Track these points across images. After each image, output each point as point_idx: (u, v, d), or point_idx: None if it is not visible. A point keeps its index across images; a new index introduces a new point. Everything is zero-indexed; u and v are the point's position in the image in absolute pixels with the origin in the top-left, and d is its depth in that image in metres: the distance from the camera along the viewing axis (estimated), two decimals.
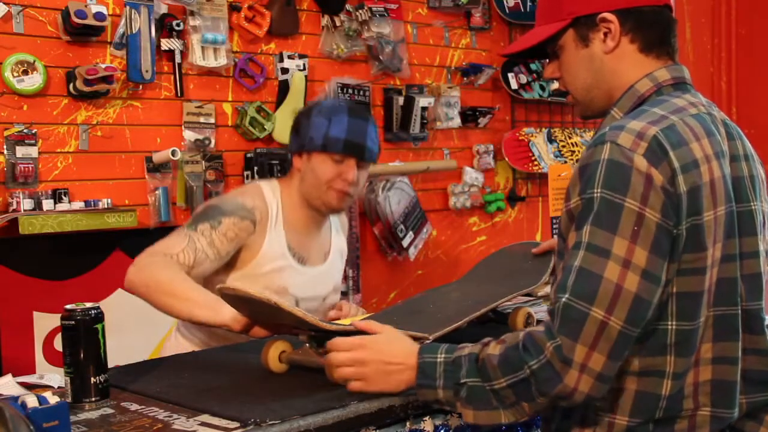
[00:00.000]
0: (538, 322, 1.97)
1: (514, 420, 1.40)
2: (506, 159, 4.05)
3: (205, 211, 2.06)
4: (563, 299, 1.31)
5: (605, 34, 1.44)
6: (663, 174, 1.29)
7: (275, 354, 1.71)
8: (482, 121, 3.97)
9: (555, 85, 4.06)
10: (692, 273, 1.33)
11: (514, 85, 4.03)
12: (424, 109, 3.69)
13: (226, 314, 1.74)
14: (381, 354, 1.51)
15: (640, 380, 1.36)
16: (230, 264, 2.09)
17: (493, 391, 1.38)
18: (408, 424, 1.56)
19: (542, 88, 4.14)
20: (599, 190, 1.30)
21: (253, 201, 2.11)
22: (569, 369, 1.30)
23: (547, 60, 1.58)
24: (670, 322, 1.34)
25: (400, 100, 3.66)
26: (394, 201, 3.60)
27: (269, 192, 2.17)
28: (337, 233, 2.32)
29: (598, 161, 1.32)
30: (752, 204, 1.43)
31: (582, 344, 1.29)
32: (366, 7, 3.49)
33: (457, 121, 3.88)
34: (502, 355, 1.38)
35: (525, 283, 1.90)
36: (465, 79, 3.95)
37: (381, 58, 3.57)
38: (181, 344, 2.23)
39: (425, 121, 3.72)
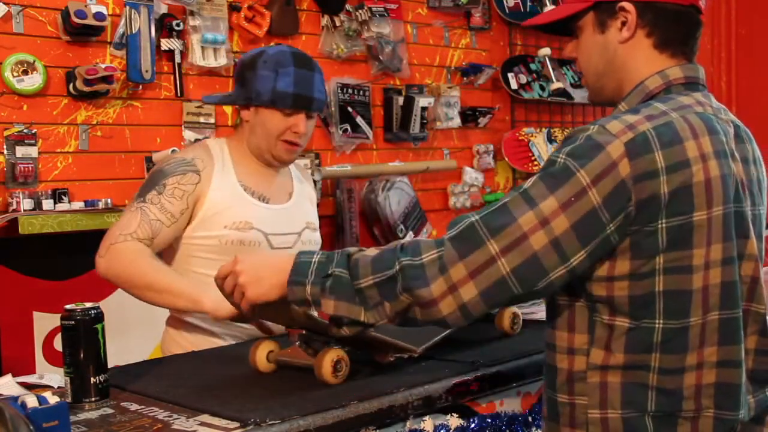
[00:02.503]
0: (525, 322, 1.97)
1: (374, 321, 1.41)
2: (506, 159, 4.05)
3: (151, 177, 2.09)
4: (472, 218, 1.33)
5: (622, 24, 1.43)
6: (634, 169, 1.27)
7: (263, 353, 1.72)
8: (482, 121, 3.97)
9: (555, 85, 4.06)
10: (678, 271, 1.31)
11: (514, 85, 4.03)
12: (424, 109, 3.69)
13: (206, 303, 1.83)
14: (253, 264, 1.51)
15: (625, 373, 1.35)
16: (192, 217, 2.09)
17: (358, 290, 1.39)
18: (408, 424, 1.56)
19: (542, 88, 4.14)
20: (564, 156, 1.32)
21: (193, 152, 2.13)
22: (440, 279, 1.31)
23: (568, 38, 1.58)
24: (657, 321, 1.33)
25: (400, 100, 3.66)
26: (394, 201, 3.60)
27: (214, 144, 2.19)
28: (300, 182, 2.30)
29: (580, 135, 1.33)
30: (760, 208, 1.43)
31: (464, 265, 1.30)
32: (366, 7, 3.49)
33: (457, 121, 3.88)
34: (378, 254, 1.39)
35: None
36: (465, 79, 3.96)
37: (381, 58, 3.58)
38: (172, 336, 2.22)
39: (425, 121, 3.72)
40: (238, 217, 2.08)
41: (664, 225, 1.29)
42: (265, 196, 2.15)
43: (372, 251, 1.42)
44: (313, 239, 2.24)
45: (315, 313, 1.59)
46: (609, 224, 1.28)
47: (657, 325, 1.33)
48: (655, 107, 1.36)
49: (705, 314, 1.34)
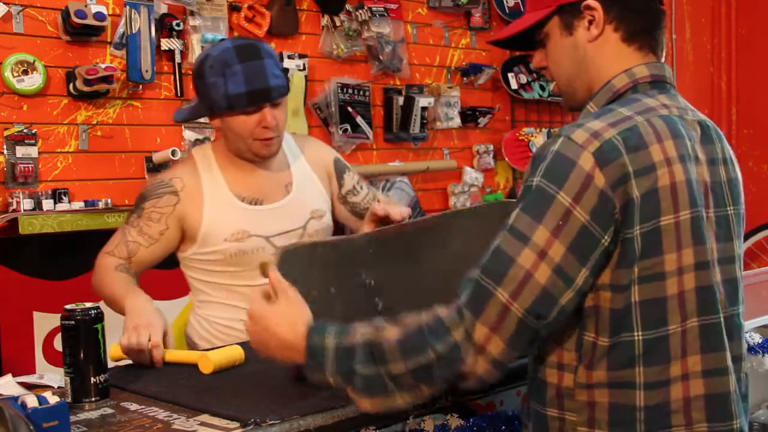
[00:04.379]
0: None
1: (411, 401, 1.38)
2: (506, 159, 4.05)
3: (137, 200, 2.15)
4: (475, 276, 1.31)
5: (590, 22, 1.42)
6: (608, 177, 1.27)
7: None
8: (482, 121, 3.97)
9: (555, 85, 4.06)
10: (652, 279, 1.30)
11: (514, 85, 4.03)
12: (424, 109, 3.69)
13: (126, 307, 1.89)
14: (273, 331, 1.44)
15: (612, 392, 1.33)
16: (190, 237, 2.11)
17: (390, 377, 1.35)
18: (408, 424, 1.56)
19: (542, 88, 4.14)
20: (539, 179, 1.30)
21: (173, 172, 2.14)
22: (470, 348, 1.30)
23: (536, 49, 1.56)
24: (636, 333, 1.31)
25: (400, 100, 3.66)
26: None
27: (200, 155, 2.16)
28: (300, 167, 2.22)
29: (548, 152, 1.32)
30: (728, 208, 1.42)
31: (483, 324, 1.29)
32: (366, 7, 3.49)
33: (457, 121, 3.88)
34: (403, 337, 1.34)
35: None
36: (465, 79, 3.96)
37: (381, 58, 3.58)
38: (193, 324, 2.25)
39: (425, 121, 3.73)
40: (234, 227, 2.08)
41: (638, 231, 1.29)
42: (257, 199, 2.12)
43: (392, 333, 1.35)
44: (320, 228, 2.19)
45: None
46: (603, 236, 1.28)
47: (636, 338, 1.31)
48: (618, 112, 1.35)
49: (684, 321, 1.32)
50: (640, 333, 1.31)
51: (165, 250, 2.11)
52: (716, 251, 1.38)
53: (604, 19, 1.42)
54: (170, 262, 2.15)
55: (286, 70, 2.08)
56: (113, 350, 1.79)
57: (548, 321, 1.30)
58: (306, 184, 2.20)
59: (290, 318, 1.44)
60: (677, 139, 1.35)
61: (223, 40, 2.16)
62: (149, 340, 1.77)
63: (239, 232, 2.07)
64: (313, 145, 2.32)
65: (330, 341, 1.38)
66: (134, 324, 1.80)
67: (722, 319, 1.36)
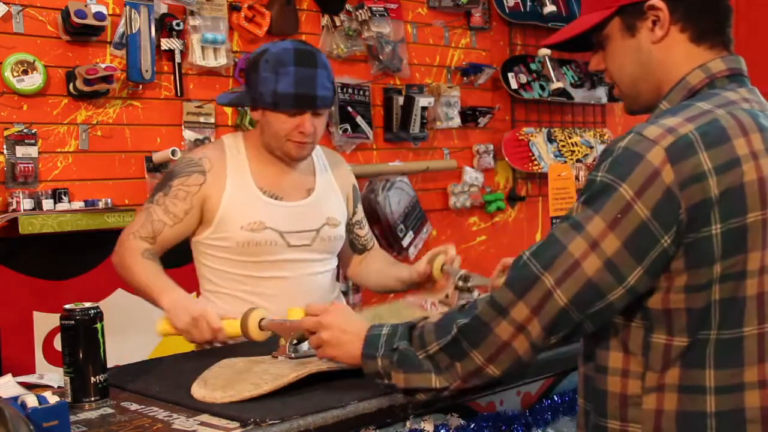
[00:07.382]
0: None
1: (447, 385, 1.40)
2: (506, 159, 4.05)
3: (163, 178, 2.18)
4: (524, 256, 1.31)
5: (653, 23, 1.35)
6: (678, 174, 1.21)
7: (255, 322, 1.77)
8: (482, 121, 3.97)
9: (555, 85, 4.06)
10: (734, 278, 1.24)
11: (514, 85, 4.03)
12: (424, 108, 3.69)
13: (163, 303, 1.92)
14: (339, 325, 1.54)
15: (681, 398, 1.27)
16: (207, 220, 2.13)
17: (428, 357, 1.40)
18: (408, 424, 1.56)
19: (542, 87, 4.14)
20: (602, 174, 1.26)
21: (203, 152, 2.17)
22: (502, 321, 1.30)
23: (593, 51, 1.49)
24: (711, 332, 1.25)
25: (400, 99, 3.66)
26: (394, 201, 3.60)
27: (230, 141, 2.21)
28: (325, 176, 2.29)
29: (616, 147, 1.26)
30: None
31: (525, 304, 1.29)
32: (366, 7, 3.49)
33: (457, 121, 3.88)
34: (440, 319, 1.41)
35: None
36: (465, 78, 3.95)
37: (381, 57, 3.58)
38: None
39: (425, 121, 3.72)
40: (251, 217, 2.11)
41: (718, 230, 1.22)
42: (278, 195, 2.16)
43: (435, 317, 1.44)
44: (333, 235, 2.24)
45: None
46: (663, 236, 1.22)
47: (711, 337, 1.26)
48: (696, 107, 1.28)
49: (762, 324, 1.27)
50: (715, 332, 1.26)
51: (187, 230, 2.13)
52: None
53: (669, 20, 1.35)
54: (171, 261, 2.15)
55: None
56: (163, 326, 1.88)
57: (591, 313, 1.27)
58: (327, 194, 2.26)
59: (355, 319, 1.56)
60: (763, 132, 1.29)
61: (285, 39, 2.25)
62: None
63: (256, 223, 2.11)
64: (340, 163, 2.40)
65: (385, 330, 1.48)
66: (189, 319, 1.84)
67: None
